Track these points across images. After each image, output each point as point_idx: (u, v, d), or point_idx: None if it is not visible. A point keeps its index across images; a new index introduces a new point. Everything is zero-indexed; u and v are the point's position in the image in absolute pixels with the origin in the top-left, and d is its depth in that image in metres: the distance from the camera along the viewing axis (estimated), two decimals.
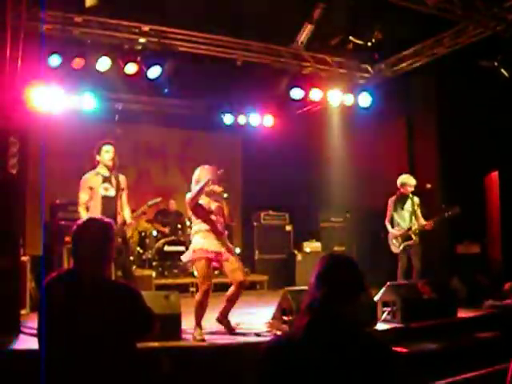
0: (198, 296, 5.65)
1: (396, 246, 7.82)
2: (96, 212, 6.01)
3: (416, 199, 7.89)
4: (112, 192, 6.20)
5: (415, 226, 7.69)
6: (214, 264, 5.70)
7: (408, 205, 7.86)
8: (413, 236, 7.67)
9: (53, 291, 2.89)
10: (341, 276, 2.32)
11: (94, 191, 6.14)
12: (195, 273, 8.54)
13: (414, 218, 7.80)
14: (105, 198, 6.16)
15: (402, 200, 7.92)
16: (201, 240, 5.66)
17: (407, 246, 7.70)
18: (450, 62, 8.60)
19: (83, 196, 6.13)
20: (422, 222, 7.72)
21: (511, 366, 2.15)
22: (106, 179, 6.23)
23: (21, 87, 6.19)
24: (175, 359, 4.82)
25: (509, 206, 8.59)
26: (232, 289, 5.73)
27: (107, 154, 6.24)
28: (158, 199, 6.71)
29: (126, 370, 2.83)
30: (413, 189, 7.86)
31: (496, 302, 7.30)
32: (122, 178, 6.37)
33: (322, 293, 2.28)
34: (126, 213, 6.33)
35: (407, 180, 7.89)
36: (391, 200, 8.01)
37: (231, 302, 5.76)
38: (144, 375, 3.10)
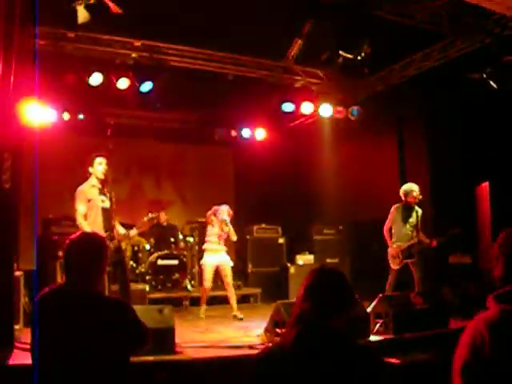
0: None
1: (396, 263, 7.49)
2: (98, 224, 6.05)
3: (420, 211, 7.60)
4: (107, 204, 6.23)
5: (416, 240, 7.46)
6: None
7: (413, 218, 7.53)
8: (414, 254, 7.43)
9: (45, 306, 2.88)
10: (328, 289, 2.35)
11: (93, 203, 6.14)
12: (189, 287, 9.29)
13: (415, 232, 7.51)
14: (103, 210, 6.18)
15: (406, 211, 7.56)
16: (208, 257, 8.14)
17: (408, 263, 7.47)
18: (439, 75, 8.69)
19: (81, 207, 6.10)
20: (424, 238, 7.52)
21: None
22: (101, 191, 6.25)
23: (13, 103, 6.19)
24: (169, 373, 4.82)
25: (500, 216, 8.63)
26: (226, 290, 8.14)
27: (100, 166, 6.26)
28: (154, 215, 6.69)
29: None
30: (419, 196, 7.51)
31: None
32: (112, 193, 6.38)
33: (309, 305, 2.30)
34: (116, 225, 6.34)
35: (412, 187, 7.54)
36: (395, 208, 7.59)
37: (231, 298, 8.06)
38: None
